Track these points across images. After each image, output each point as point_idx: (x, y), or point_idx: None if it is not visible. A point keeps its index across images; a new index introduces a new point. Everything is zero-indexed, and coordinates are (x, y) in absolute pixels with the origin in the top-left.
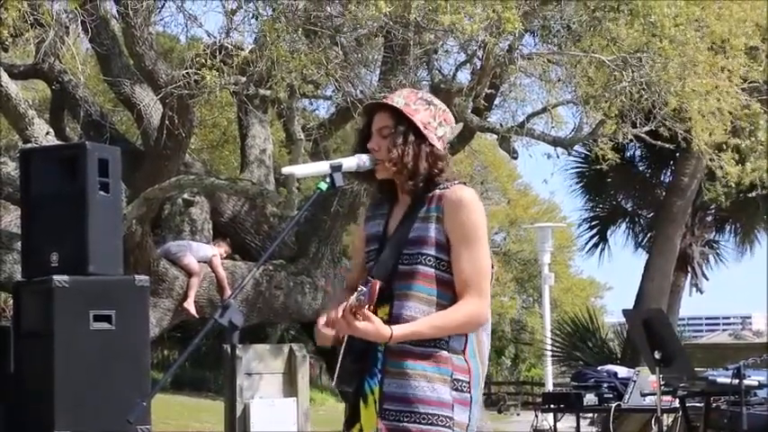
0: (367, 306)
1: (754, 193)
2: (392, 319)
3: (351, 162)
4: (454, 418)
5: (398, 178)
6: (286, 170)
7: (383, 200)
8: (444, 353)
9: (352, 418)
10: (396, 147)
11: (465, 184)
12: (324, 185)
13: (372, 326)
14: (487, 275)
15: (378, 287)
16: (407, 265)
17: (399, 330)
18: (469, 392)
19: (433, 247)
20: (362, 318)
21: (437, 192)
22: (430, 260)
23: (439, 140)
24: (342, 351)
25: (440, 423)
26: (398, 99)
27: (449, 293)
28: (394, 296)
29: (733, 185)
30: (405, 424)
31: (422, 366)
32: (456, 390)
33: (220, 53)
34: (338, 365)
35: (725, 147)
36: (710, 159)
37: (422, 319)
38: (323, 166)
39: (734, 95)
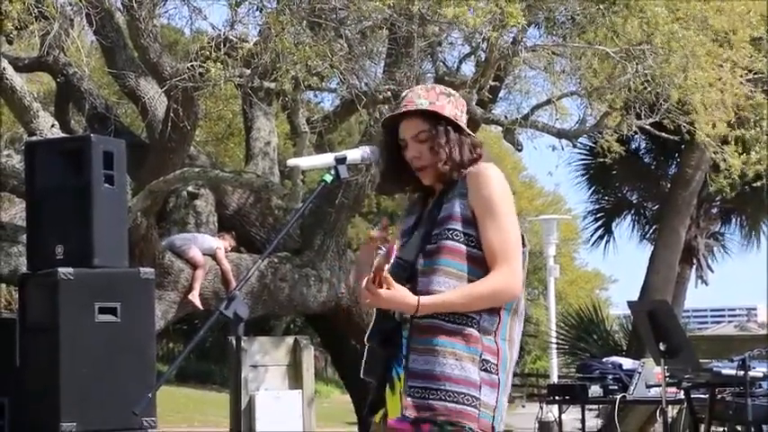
0: (386, 264)
1: (758, 183)
2: (418, 294)
3: (355, 154)
4: (481, 398)
5: (445, 177)
6: (291, 162)
7: (417, 201)
8: (474, 332)
9: (376, 403)
10: (442, 148)
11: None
12: (328, 178)
13: (398, 294)
14: (516, 247)
15: (395, 245)
16: (435, 243)
17: (427, 299)
18: (497, 374)
19: (460, 222)
20: (387, 286)
21: (463, 172)
22: (458, 235)
23: (467, 128)
24: (369, 331)
25: (465, 402)
26: (420, 101)
27: (480, 270)
28: (418, 273)
29: (737, 177)
30: (430, 401)
31: (451, 343)
32: (484, 370)
33: (225, 45)
34: (365, 350)
35: (728, 139)
36: (714, 152)
37: (451, 290)
38: (327, 159)
39: (737, 87)
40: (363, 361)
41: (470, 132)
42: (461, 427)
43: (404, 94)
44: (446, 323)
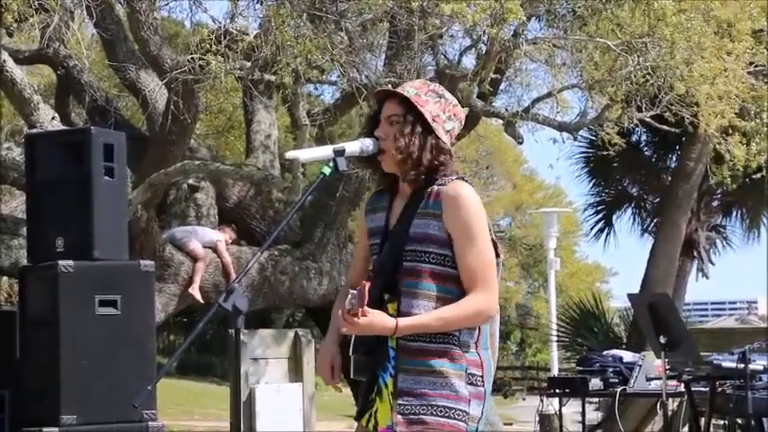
0: (359, 308)
1: (759, 175)
2: (400, 315)
3: (354, 147)
4: (470, 412)
5: (401, 168)
6: (290, 154)
7: (383, 192)
8: (457, 349)
9: (364, 409)
10: (403, 136)
11: (463, 179)
12: (327, 170)
13: (376, 319)
14: (493, 268)
15: (367, 289)
16: (411, 261)
17: (405, 321)
18: (483, 386)
19: (436, 245)
20: (364, 314)
21: (435, 188)
22: (434, 258)
23: (446, 134)
24: (352, 344)
25: (456, 417)
26: (410, 89)
27: (455, 289)
28: (401, 293)
29: (740, 168)
30: (422, 416)
31: (438, 363)
32: (471, 384)
33: (225, 38)
34: (351, 359)
35: (731, 130)
36: (718, 143)
37: (428, 312)
38: (326, 151)
39: (740, 79)
40: (352, 368)
41: (445, 139)
42: None
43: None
44: (431, 344)
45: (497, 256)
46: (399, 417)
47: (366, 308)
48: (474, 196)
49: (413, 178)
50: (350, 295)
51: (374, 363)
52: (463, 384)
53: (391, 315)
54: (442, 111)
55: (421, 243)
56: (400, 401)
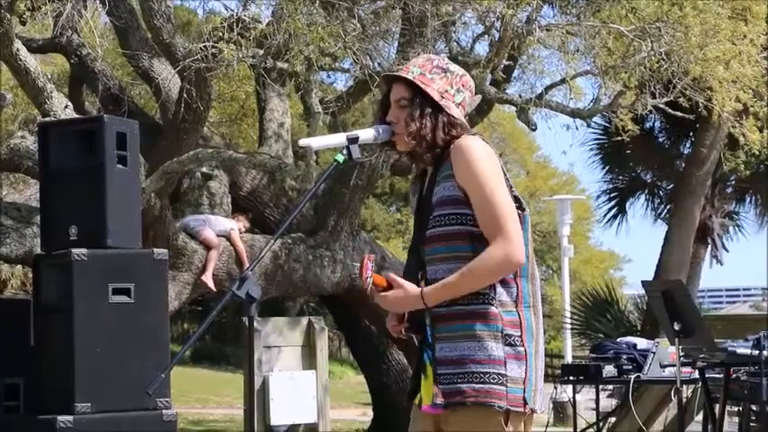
0: (366, 280)
1: None
2: (428, 284)
3: (367, 134)
4: (507, 374)
5: (418, 150)
6: (302, 142)
7: (416, 179)
8: (493, 309)
9: (415, 389)
10: (413, 120)
11: (474, 135)
12: (340, 158)
13: (401, 291)
14: (509, 213)
15: (366, 260)
16: (431, 228)
17: (430, 289)
18: (523, 346)
19: (452, 205)
20: (391, 285)
21: (447, 151)
22: (452, 218)
23: (458, 107)
24: (405, 321)
25: (492, 381)
26: (414, 69)
27: (481, 246)
28: (425, 262)
29: (756, 152)
30: (459, 385)
31: (470, 326)
32: (508, 344)
33: (238, 26)
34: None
35: (745, 114)
36: (732, 126)
37: (452, 274)
38: (339, 139)
39: (755, 62)
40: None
41: (456, 113)
42: (490, 406)
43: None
44: (464, 306)
45: (521, 210)
46: (439, 388)
47: (394, 279)
48: (481, 147)
49: (430, 158)
50: (367, 277)
51: (420, 341)
52: (499, 346)
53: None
54: (450, 85)
55: (441, 207)
56: (439, 371)
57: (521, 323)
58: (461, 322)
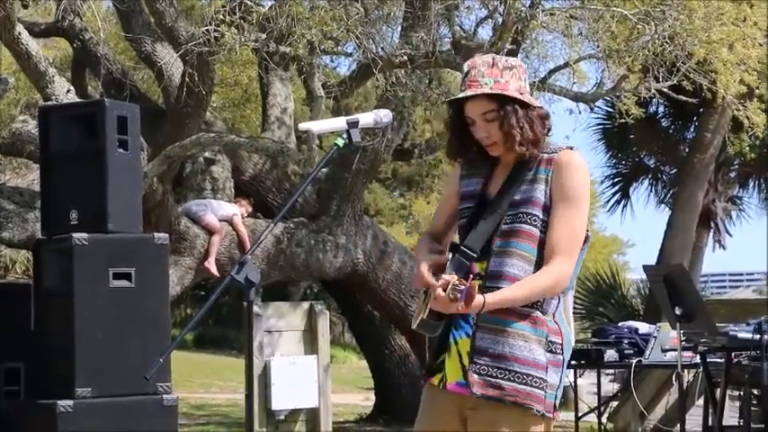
0: (462, 305)
1: None
2: (488, 275)
3: (368, 118)
4: (547, 380)
5: (526, 152)
6: (303, 126)
7: (480, 158)
8: (540, 314)
9: (435, 368)
10: (514, 128)
11: (572, 148)
12: (341, 142)
13: (470, 307)
14: (580, 240)
15: (476, 289)
16: (511, 223)
17: (492, 298)
18: (562, 354)
19: (540, 209)
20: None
21: (545, 155)
22: (536, 220)
23: (532, 95)
24: (426, 309)
25: (534, 384)
26: (485, 81)
27: (540, 251)
28: (493, 252)
29: (760, 135)
30: (499, 380)
31: (521, 326)
32: (550, 351)
33: (240, 9)
34: (422, 315)
35: (749, 97)
36: (737, 110)
37: (513, 285)
38: (340, 122)
39: (758, 45)
40: (417, 323)
41: (536, 104)
42: (529, 409)
43: (466, 69)
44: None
45: (586, 242)
46: (476, 377)
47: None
48: (585, 166)
49: (531, 153)
50: (453, 286)
51: (446, 323)
52: (542, 351)
53: (478, 274)
54: (520, 78)
55: (525, 206)
56: (477, 360)
57: (561, 332)
58: (511, 319)
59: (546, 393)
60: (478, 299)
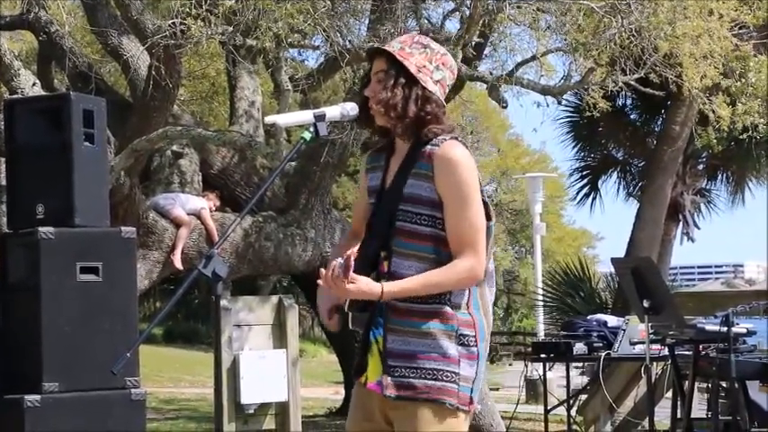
0: (344, 278)
1: (744, 136)
2: (389, 275)
3: (334, 111)
4: (460, 373)
5: (389, 122)
6: (269, 119)
7: (382, 150)
8: (448, 309)
9: (361, 367)
10: (385, 89)
11: (457, 138)
12: (308, 135)
13: (362, 286)
14: (482, 232)
15: (352, 259)
16: (403, 221)
17: (390, 287)
18: (476, 346)
19: (428, 207)
20: (351, 281)
21: (428, 148)
22: (425, 219)
23: (436, 84)
24: (347, 301)
25: (444, 378)
26: (395, 44)
27: (445, 250)
28: (392, 252)
29: (726, 129)
30: (410, 379)
31: (426, 324)
32: (462, 345)
33: (206, 2)
34: (349, 314)
35: (715, 91)
36: (702, 103)
37: (415, 276)
38: (306, 116)
39: (724, 38)
40: (350, 320)
41: (430, 87)
42: (442, 404)
43: None
44: (420, 305)
45: (489, 219)
46: (389, 379)
47: (353, 275)
48: (466, 158)
49: (401, 131)
50: (336, 263)
51: (368, 319)
52: (453, 345)
53: (386, 272)
54: (429, 60)
55: (414, 204)
56: (390, 362)
57: (474, 324)
58: (416, 319)
59: (459, 386)
60: (375, 286)
